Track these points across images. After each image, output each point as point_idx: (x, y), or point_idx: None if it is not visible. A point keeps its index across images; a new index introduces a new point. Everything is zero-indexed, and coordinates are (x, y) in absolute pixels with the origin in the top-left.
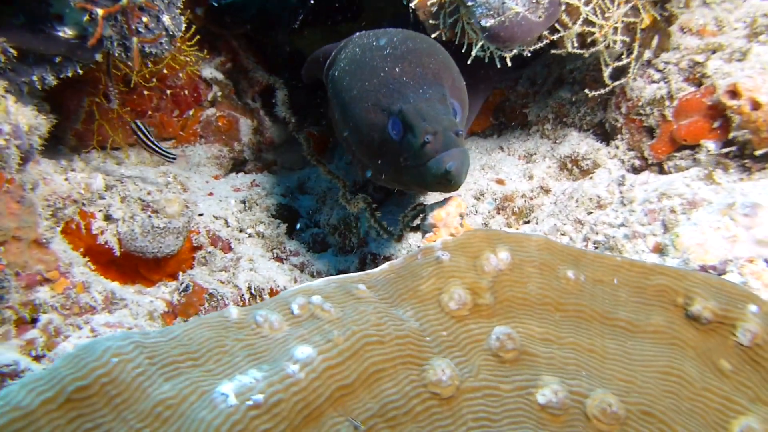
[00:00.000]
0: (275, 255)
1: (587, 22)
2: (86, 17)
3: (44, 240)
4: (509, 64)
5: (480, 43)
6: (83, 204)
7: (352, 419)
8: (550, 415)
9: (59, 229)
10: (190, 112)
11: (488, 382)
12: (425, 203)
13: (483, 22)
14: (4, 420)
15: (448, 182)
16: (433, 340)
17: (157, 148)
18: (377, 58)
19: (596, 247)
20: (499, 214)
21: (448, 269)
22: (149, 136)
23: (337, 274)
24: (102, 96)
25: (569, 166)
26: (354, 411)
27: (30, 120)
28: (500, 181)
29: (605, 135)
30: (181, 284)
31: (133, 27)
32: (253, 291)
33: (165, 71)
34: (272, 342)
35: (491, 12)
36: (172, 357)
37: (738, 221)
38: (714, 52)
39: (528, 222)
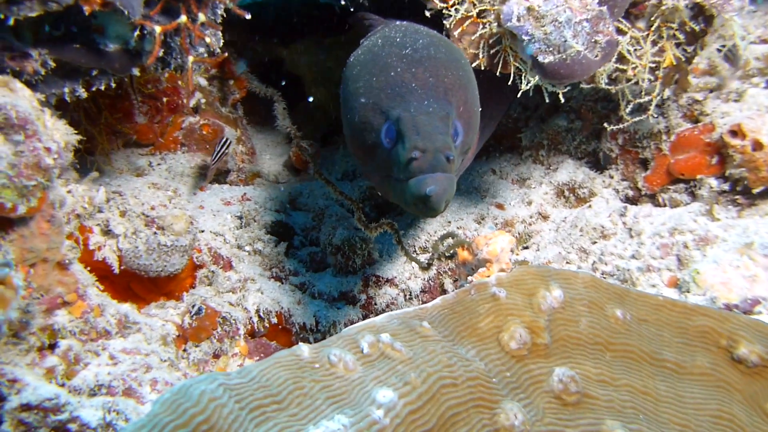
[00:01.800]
0: (274, 274)
1: (621, 59)
2: (137, 33)
3: (66, 261)
4: (562, 99)
5: (531, 78)
6: (85, 218)
7: None
8: None
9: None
10: (170, 119)
11: (554, 426)
12: (452, 232)
13: (540, 58)
14: None
15: (426, 207)
16: (499, 382)
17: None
18: (393, 56)
19: (605, 278)
20: None
21: (506, 307)
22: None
23: (339, 296)
24: (90, 102)
25: (566, 193)
26: None
27: (64, 135)
28: (500, 206)
29: (598, 164)
30: (193, 307)
31: (188, 44)
32: (261, 314)
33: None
34: (349, 383)
35: (551, 49)
36: (258, 401)
37: (757, 261)
38: (711, 91)
39: (527, 248)
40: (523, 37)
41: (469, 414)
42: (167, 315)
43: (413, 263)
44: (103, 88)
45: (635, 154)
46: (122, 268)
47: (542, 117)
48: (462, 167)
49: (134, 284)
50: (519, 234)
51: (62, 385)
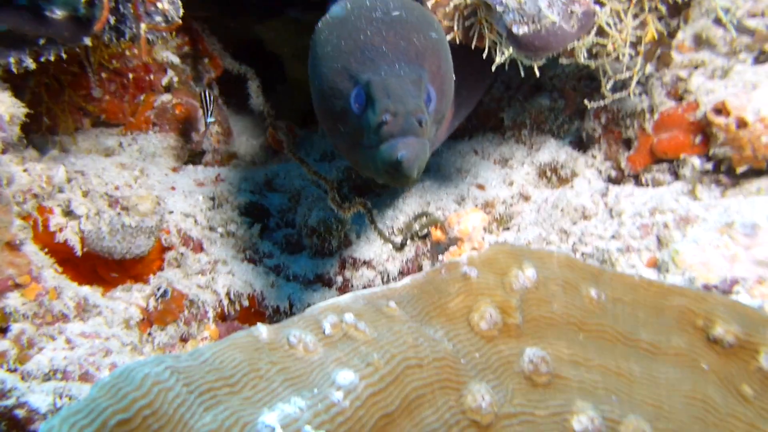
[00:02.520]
0: (248, 257)
1: (600, 32)
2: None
3: (18, 241)
4: (537, 74)
5: (505, 51)
6: (43, 198)
7: None
8: None
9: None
10: (142, 97)
11: (523, 407)
12: (427, 211)
13: (515, 29)
14: None
15: (398, 174)
16: (468, 363)
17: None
18: (363, 19)
19: (585, 259)
20: None
21: (477, 286)
22: (212, 110)
23: (315, 278)
24: (51, 77)
25: (548, 173)
26: None
27: (10, 108)
28: (480, 186)
29: (581, 144)
30: (158, 289)
31: (141, 11)
32: (232, 297)
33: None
34: (309, 365)
35: (525, 19)
36: (209, 383)
37: (738, 240)
38: (696, 68)
39: (508, 229)
40: (498, 7)
41: (435, 396)
42: (131, 298)
43: (390, 245)
44: (52, 58)
45: (618, 134)
46: (85, 250)
47: (525, 96)
48: (437, 140)
49: (100, 267)
50: (500, 215)
51: (14, 371)
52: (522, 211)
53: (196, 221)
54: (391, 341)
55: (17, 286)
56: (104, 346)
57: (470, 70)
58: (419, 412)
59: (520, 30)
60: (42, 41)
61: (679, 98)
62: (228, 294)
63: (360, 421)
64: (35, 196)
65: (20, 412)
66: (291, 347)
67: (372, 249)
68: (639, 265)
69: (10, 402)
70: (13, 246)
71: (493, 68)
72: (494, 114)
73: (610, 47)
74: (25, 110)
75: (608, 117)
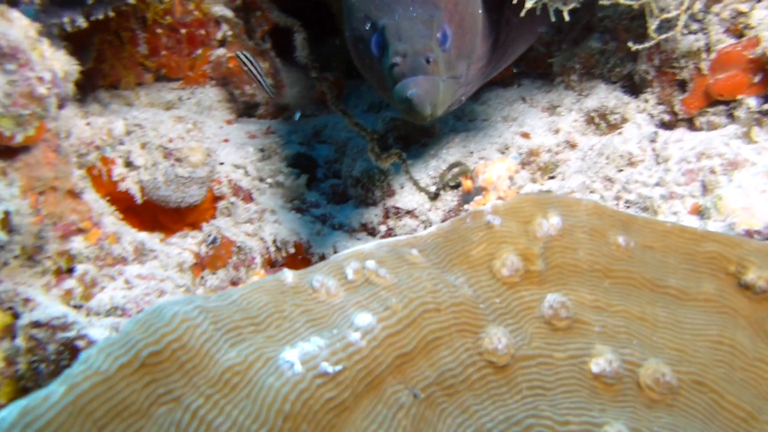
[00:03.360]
0: (295, 206)
1: None
2: None
3: (78, 190)
4: (567, 18)
5: None
6: (105, 150)
7: (411, 388)
8: (603, 384)
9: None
10: (199, 52)
11: (542, 350)
12: (459, 161)
13: None
14: (87, 385)
15: (412, 111)
16: (487, 308)
17: (263, 82)
18: None
19: (628, 207)
20: (524, 169)
21: (500, 234)
22: (259, 69)
23: (359, 227)
24: (113, 34)
25: (596, 120)
26: (413, 379)
27: (64, 65)
28: (525, 135)
29: (634, 88)
30: (209, 236)
31: None
32: (278, 244)
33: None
34: (330, 308)
35: None
36: (235, 322)
37: None
38: (759, 0)
39: (553, 177)
40: None
41: (453, 338)
42: (185, 244)
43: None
44: (101, 17)
45: (672, 76)
46: (145, 199)
47: (575, 39)
48: (473, 77)
49: (160, 215)
50: (544, 163)
51: (80, 307)
52: (568, 159)
53: (246, 172)
54: (411, 286)
55: (80, 230)
56: (159, 287)
57: (515, 13)
58: (436, 353)
59: None
60: (90, 1)
61: (739, 35)
62: (275, 241)
63: (376, 359)
64: (97, 147)
65: (81, 343)
66: (314, 291)
67: (415, 199)
68: (681, 211)
69: (71, 334)
70: (74, 194)
71: (522, 14)
72: (543, 59)
73: None
74: (79, 67)
75: (662, 58)
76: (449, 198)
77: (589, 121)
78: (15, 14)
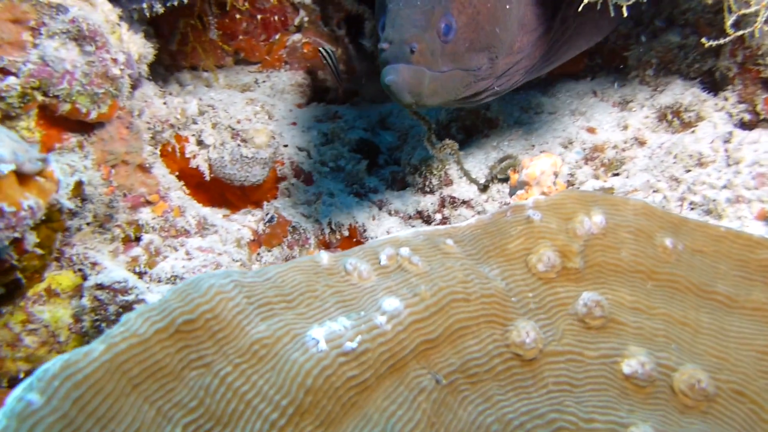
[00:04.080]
0: (354, 190)
1: None
2: None
3: (147, 164)
4: (625, 13)
5: None
6: (179, 128)
7: (434, 373)
8: (634, 385)
9: (159, 153)
10: (276, 37)
11: (572, 347)
12: (514, 154)
13: None
14: (124, 345)
15: (393, 96)
16: (519, 301)
17: (335, 70)
18: None
19: (692, 208)
20: (587, 164)
21: (539, 230)
22: (335, 60)
23: (415, 214)
24: (196, 18)
25: (670, 117)
26: (437, 365)
27: (140, 48)
28: (591, 130)
29: (714, 85)
30: (267, 215)
31: None
32: (333, 226)
33: None
34: (360, 291)
35: None
36: (267, 298)
37: None
38: None
39: (618, 174)
40: None
41: (480, 328)
42: (245, 221)
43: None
44: (176, 3)
45: (756, 73)
46: (212, 176)
47: (654, 32)
48: (508, 70)
49: (227, 192)
50: (609, 160)
51: (144, 273)
52: (635, 156)
53: (309, 155)
54: (442, 275)
55: (148, 203)
56: (216, 260)
57: (572, 8)
58: (462, 341)
59: None
60: None
61: None
62: (330, 223)
63: (401, 343)
64: (172, 126)
65: (138, 306)
66: (347, 273)
67: (472, 189)
68: (747, 216)
69: (131, 297)
70: (144, 168)
71: (580, 9)
72: (620, 52)
73: None
74: (154, 50)
75: (746, 54)
76: (505, 190)
77: (662, 117)
78: None
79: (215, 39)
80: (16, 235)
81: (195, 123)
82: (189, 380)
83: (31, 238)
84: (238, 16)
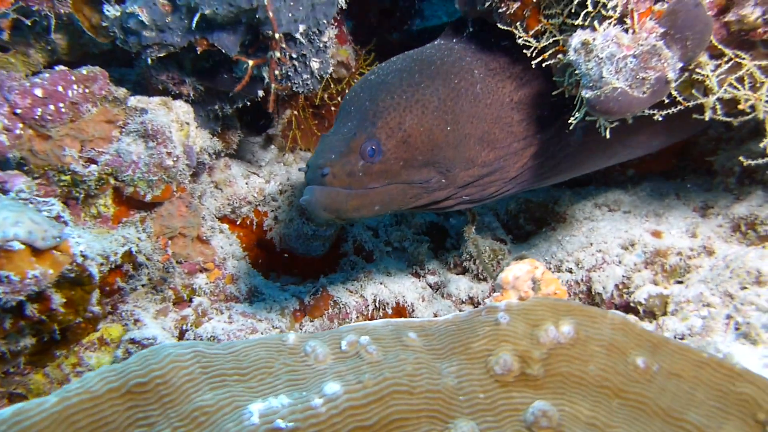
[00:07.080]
0: (414, 271)
1: (734, 88)
2: (250, 65)
3: (206, 237)
4: (607, 135)
5: (583, 110)
6: (257, 205)
7: None
8: None
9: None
10: None
11: None
12: (524, 254)
13: (584, 93)
14: (75, 399)
15: (309, 214)
16: (467, 401)
17: None
18: (366, 79)
19: (738, 329)
20: (646, 268)
21: (504, 333)
22: None
23: (467, 299)
24: (300, 110)
25: (744, 228)
26: None
27: (204, 142)
28: (657, 234)
29: None
30: (313, 287)
31: (275, 74)
32: (377, 303)
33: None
34: (313, 372)
35: (591, 84)
36: (223, 370)
37: None
38: None
39: (681, 282)
40: (577, 70)
41: (420, 422)
42: (297, 291)
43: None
44: (240, 106)
45: None
46: (282, 247)
47: (742, 139)
48: (463, 180)
49: (294, 262)
50: (671, 266)
51: (187, 330)
52: (701, 265)
53: (376, 234)
54: (392, 366)
55: (203, 269)
56: (254, 326)
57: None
58: None
59: (587, 93)
60: (231, 94)
61: None
62: (375, 300)
63: (333, 426)
64: (249, 202)
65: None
66: (306, 355)
67: None
68: None
69: None
70: (203, 240)
71: (571, 128)
72: (708, 156)
73: (755, 101)
74: (220, 144)
75: None
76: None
77: (735, 228)
78: (177, 103)
79: (312, 126)
80: (21, 298)
81: (275, 200)
82: None
83: (57, 298)
84: (334, 108)
